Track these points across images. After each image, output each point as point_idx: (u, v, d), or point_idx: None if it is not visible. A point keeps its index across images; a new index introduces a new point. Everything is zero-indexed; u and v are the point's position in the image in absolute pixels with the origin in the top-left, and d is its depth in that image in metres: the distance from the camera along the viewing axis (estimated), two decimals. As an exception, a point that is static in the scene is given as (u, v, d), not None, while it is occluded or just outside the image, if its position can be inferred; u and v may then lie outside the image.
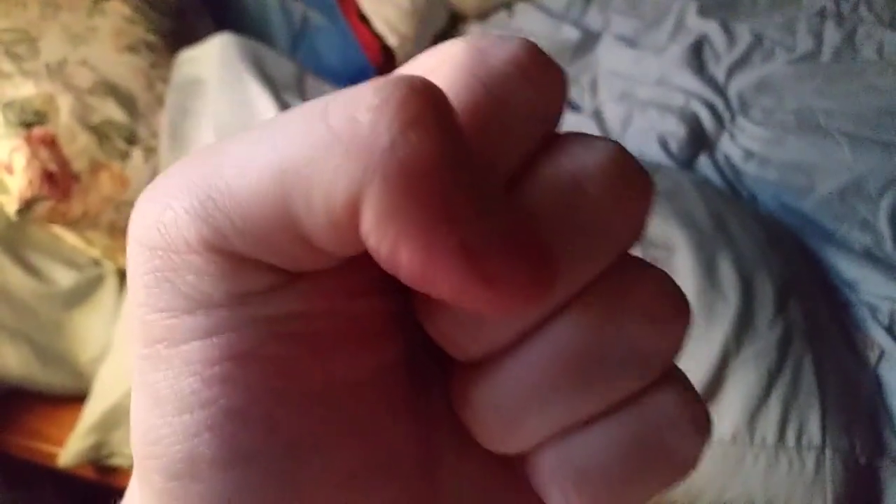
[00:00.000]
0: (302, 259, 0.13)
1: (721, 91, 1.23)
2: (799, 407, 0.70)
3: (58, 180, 0.85)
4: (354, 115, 0.11)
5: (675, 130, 1.13)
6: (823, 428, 0.69)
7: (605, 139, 0.14)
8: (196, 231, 0.12)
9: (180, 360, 0.13)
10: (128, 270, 0.14)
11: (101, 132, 0.91)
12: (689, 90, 1.21)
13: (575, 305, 0.13)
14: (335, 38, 1.39)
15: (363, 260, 0.13)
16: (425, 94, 0.12)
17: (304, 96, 0.96)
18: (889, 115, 1.08)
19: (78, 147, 0.88)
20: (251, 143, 0.13)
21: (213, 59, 0.97)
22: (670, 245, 0.79)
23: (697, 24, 1.36)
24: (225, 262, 0.13)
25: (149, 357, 0.13)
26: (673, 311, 0.14)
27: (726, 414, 0.70)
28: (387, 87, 0.12)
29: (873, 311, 0.83)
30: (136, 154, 0.95)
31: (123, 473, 0.87)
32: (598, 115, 1.22)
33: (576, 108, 1.26)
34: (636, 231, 0.14)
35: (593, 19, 1.48)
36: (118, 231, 0.94)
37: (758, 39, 1.31)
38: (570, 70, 1.35)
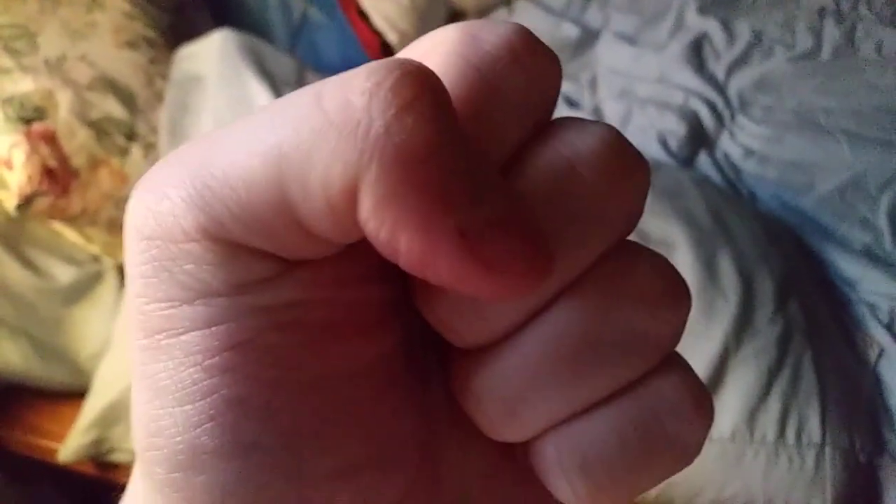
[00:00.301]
0: (299, 247, 0.13)
1: (721, 89, 1.23)
2: (799, 404, 0.70)
3: (57, 176, 0.84)
4: (348, 98, 0.11)
5: (675, 128, 1.13)
6: (823, 425, 0.69)
7: (600, 123, 0.14)
8: (193, 219, 0.12)
9: (181, 350, 0.13)
10: (125, 261, 0.13)
11: (100, 128, 0.91)
12: (688, 88, 1.21)
13: (573, 292, 0.13)
14: (334, 34, 1.38)
15: (361, 248, 0.13)
16: (420, 78, 0.12)
17: (304, 93, 0.96)
18: (888, 113, 1.08)
19: (77, 143, 0.88)
20: (246, 131, 0.12)
21: (212, 55, 0.97)
22: (670, 242, 0.79)
23: (697, 22, 1.36)
24: (223, 251, 0.12)
25: (148, 348, 0.13)
26: (672, 296, 0.14)
27: (726, 411, 0.70)
28: (380, 71, 0.11)
29: (873, 309, 0.83)
30: (136, 150, 0.95)
31: (123, 469, 0.87)
32: (597, 113, 1.22)
33: (575, 105, 1.26)
34: (633, 216, 0.14)
35: (593, 17, 1.48)
36: (117, 227, 0.94)
37: (757, 37, 1.31)
38: (570, 67, 1.35)
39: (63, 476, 0.93)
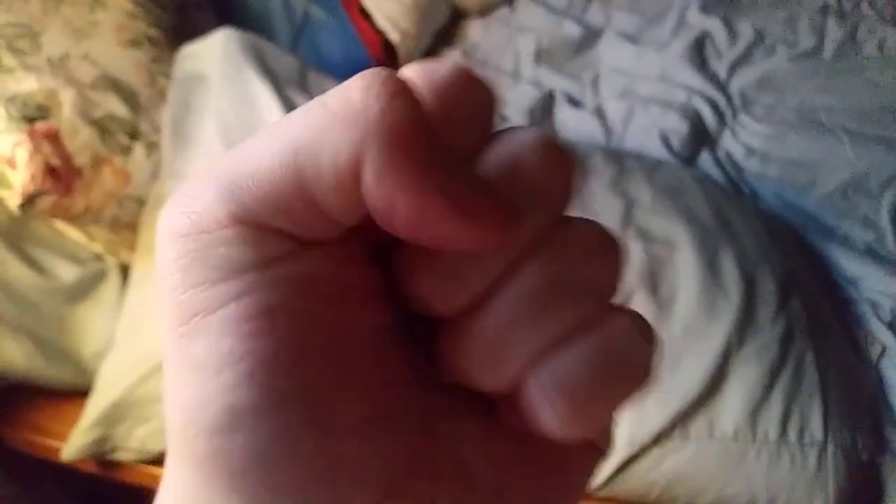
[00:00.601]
0: (313, 226, 0.15)
1: (723, 88, 1.23)
2: (801, 403, 0.70)
3: (60, 175, 0.85)
4: (348, 95, 0.15)
5: (677, 127, 1.13)
6: (825, 424, 0.69)
7: (532, 127, 0.17)
8: (226, 209, 0.15)
9: (217, 323, 0.15)
10: (159, 266, 0.16)
11: (103, 127, 0.91)
12: (690, 87, 1.22)
13: (532, 254, 0.16)
14: (336, 33, 1.38)
15: (360, 235, 0.16)
16: (400, 78, 0.15)
17: (306, 91, 0.96)
18: (890, 111, 1.08)
19: (80, 142, 0.88)
20: (263, 138, 0.15)
21: (215, 54, 0.97)
22: (672, 241, 0.79)
23: (699, 21, 1.36)
24: (251, 233, 0.15)
25: (186, 333, 0.15)
26: (608, 247, 0.17)
27: (728, 410, 0.70)
28: (370, 75, 0.15)
29: (875, 307, 0.83)
30: (138, 149, 0.95)
31: (126, 468, 0.88)
32: (599, 112, 1.22)
33: (577, 104, 1.26)
34: (568, 190, 0.17)
35: (595, 15, 1.48)
36: (120, 226, 0.94)
37: (759, 36, 1.31)
38: (572, 67, 1.35)
39: (66, 475, 0.94)
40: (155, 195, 0.95)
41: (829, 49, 1.25)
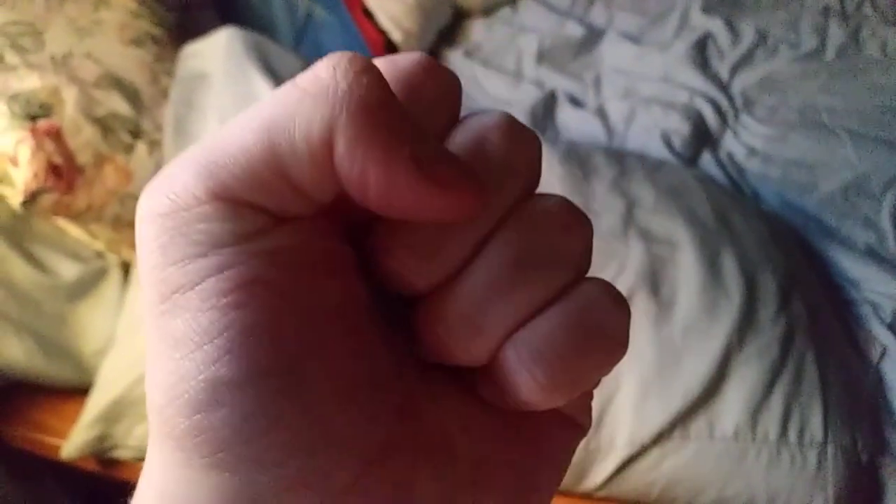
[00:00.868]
0: (288, 201, 0.16)
1: (725, 88, 1.23)
2: (801, 403, 0.70)
3: (62, 173, 0.85)
4: (317, 74, 0.15)
5: (679, 127, 1.13)
6: (825, 425, 0.69)
7: (496, 110, 0.18)
8: (203, 186, 0.15)
9: (197, 298, 0.15)
10: (138, 247, 0.16)
11: (105, 125, 0.91)
12: (692, 87, 1.21)
13: (503, 227, 0.17)
14: (339, 32, 1.38)
15: (337, 215, 0.17)
16: (365, 56, 0.16)
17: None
18: (892, 112, 1.08)
19: (83, 140, 0.88)
20: (238, 119, 0.16)
21: (217, 53, 0.97)
22: (674, 241, 0.79)
23: (701, 22, 1.36)
24: (229, 208, 0.15)
25: (167, 310, 0.15)
26: (577, 219, 0.18)
27: (728, 410, 0.70)
28: (337, 55, 0.16)
29: (875, 308, 0.83)
30: (141, 147, 0.95)
31: (126, 466, 0.88)
32: (601, 112, 1.22)
33: (579, 104, 1.26)
34: (532, 166, 0.18)
35: (597, 16, 1.48)
36: (122, 224, 0.94)
37: (762, 37, 1.31)
38: (574, 67, 1.35)
39: (66, 472, 0.94)
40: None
41: (831, 50, 1.25)
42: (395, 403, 0.17)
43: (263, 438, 0.15)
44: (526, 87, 1.31)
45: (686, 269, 0.76)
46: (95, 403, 0.83)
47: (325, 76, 0.15)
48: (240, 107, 0.92)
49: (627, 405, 0.71)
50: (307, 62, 1.04)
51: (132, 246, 0.96)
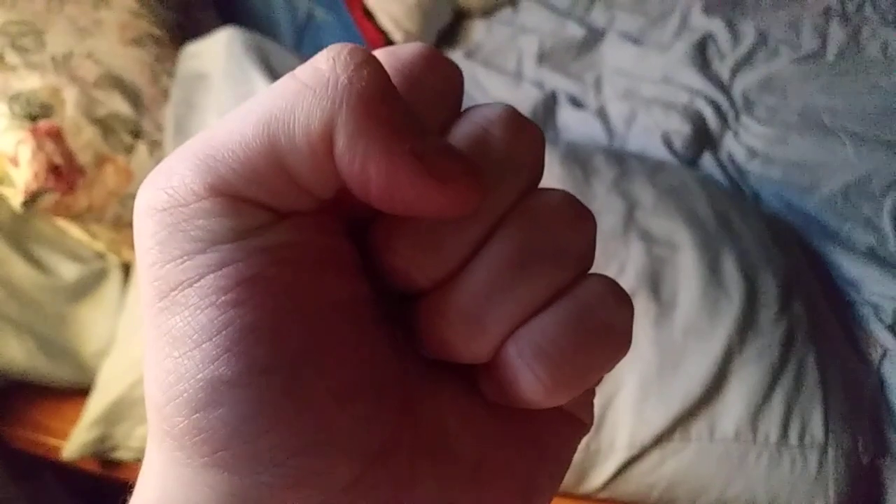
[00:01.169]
0: (288, 197, 0.15)
1: (725, 89, 1.23)
2: (802, 405, 0.70)
3: (63, 173, 0.85)
4: (316, 66, 0.15)
5: (679, 128, 1.13)
6: (826, 426, 0.69)
7: (500, 103, 0.18)
8: (202, 181, 0.15)
9: (196, 295, 0.15)
10: (137, 243, 0.16)
11: (106, 125, 0.91)
12: (693, 88, 1.21)
13: (505, 222, 0.17)
14: (339, 33, 1.39)
15: (338, 212, 0.17)
16: (364, 49, 0.15)
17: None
18: (893, 114, 1.08)
19: (83, 140, 0.88)
20: (237, 112, 0.16)
21: (218, 53, 0.97)
22: (674, 243, 0.79)
23: (702, 22, 1.36)
24: (228, 204, 0.15)
25: (165, 308, 0.15)
26: (580, 214, 0.18)
27: (729, 411, 0.70)
28: (336, 47, 0.15)
29: (876, 310, 0.83)
30: (141, 148, 0.95)
31: (127, 467, 0.88)
32: (601, 113, 1.22)
33: (580, 105, 1.26)
34: (536, 160, 0.18)
35: (598, 17, 1.48)
36: (123, 224, 0.94)
37: (763, 38, 1.31)
38: (575, 67, 1.35)
39: (67, 473, 0.94)
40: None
41: (831, 51, 1.25)
42: (396, 401, 0.17)
43: (263, 437, 0.14)
44: (526, 88, 1.31)
45: (686, 271, 0.76)
46: (96, 404, 0.83)
47: (325, 68, 0.15)
48: (240, 107, 0.92)
49: (628, 406, 0.71)
50: (308, 63, 1.04)
51: (133, 247, 0.96)
